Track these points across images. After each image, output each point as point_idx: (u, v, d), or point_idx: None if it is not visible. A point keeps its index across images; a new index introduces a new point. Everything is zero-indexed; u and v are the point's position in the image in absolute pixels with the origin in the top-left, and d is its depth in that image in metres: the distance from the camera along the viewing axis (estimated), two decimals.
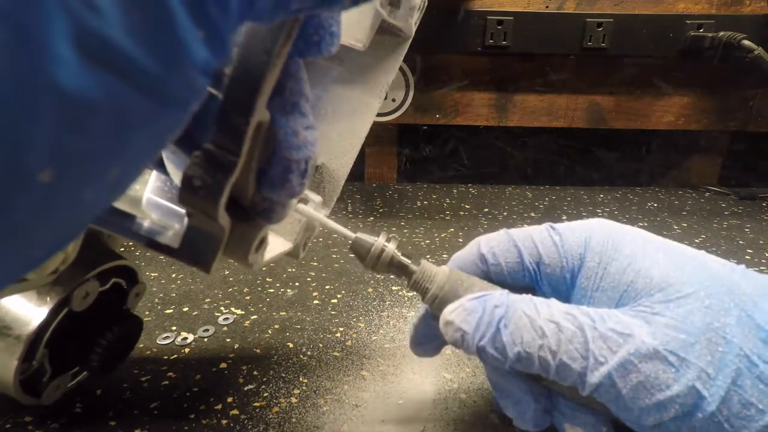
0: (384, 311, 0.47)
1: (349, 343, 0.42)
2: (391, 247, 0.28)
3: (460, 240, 0.64)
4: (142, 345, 0.41)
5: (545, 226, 0.30)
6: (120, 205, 0.21)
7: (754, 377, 0.23)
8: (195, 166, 0.16)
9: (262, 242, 0.21)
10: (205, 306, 0.47)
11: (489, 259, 0.29)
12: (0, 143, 0.09)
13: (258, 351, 0.41)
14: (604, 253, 0.27)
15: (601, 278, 0.27)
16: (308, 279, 0.53)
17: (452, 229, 0.68)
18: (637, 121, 0.85)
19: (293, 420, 0.34)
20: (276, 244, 0.29)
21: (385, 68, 0.32)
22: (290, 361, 0.40)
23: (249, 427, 0.33)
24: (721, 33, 0.74)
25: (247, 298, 0.49)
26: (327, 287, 0.51)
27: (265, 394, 0.36)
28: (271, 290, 0.51)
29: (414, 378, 0.38)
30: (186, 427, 0.33)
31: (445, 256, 0.59)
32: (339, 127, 0.33)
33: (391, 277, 0.53)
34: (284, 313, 0.46)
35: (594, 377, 0.24)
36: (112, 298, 0.34)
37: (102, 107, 0.10)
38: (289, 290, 0.51)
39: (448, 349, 0.41)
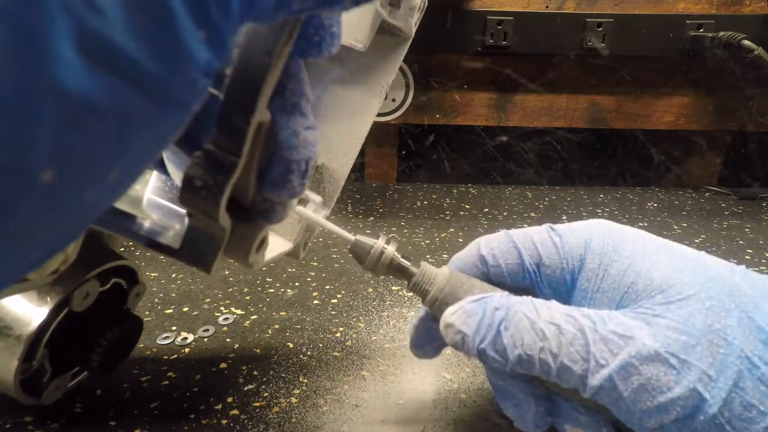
0: (384, 311, 0.47)
1: (349, 343, 0.42)
2: (391, 249, 0.28)
3: (460, 240, 0.64)
4: (142, 345, 0.41)
5: (545, 227, 0.30)
6: (121, 205, 0.21)
7: (756, 379, 0.23)
8: (196, 167, 0.16)
9: (263, 242, 0.21)
10: (205, 306, 0.47)
11: (489, 261, 0.29)
12: (1, 143, 0.09)
13: (258, 351, 0.41)
14: (604, 255, 0.27)
15: (602, 279, 0.27)
16: (308, 279, 0.53)
17: (452, 229, 0.68)
18: (637, 121, 0.85)
19: (293, 420, 0.34)
20: (276, 244, 0.29)
21: (385, 69, 0.32)
22: (290, 361, 0.40)
23: (249, 427, 0.33)
24: (721, 33, 0.74)
25: (247, 298, 0.49)
26: (327, 287, 0.51)
27: (265, 394, 0.36)
28: (271, 290, 0.51)
29: (414, 378, 0.38)
30: (186, 427, 0.33)
31: (445, 256, 0.59)
32: (339, 128, 0.33)
33: (391, 277, 0.53)
34: (284, 313, 0.46)
35: (595, 380, 0.24)
36: (113, 298, 0.35)
37: (104, 108, 0.10)
38: (289, 290, 0.51)
39: (448, 350, 0.41)
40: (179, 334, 0.43)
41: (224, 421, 0.34)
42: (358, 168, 0.89)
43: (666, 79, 0.82)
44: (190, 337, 0.43)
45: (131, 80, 0.10)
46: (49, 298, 0.30)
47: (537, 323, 0.25)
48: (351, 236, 0.28)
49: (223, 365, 0.39)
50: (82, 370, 0.35)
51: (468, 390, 0.37)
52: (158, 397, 0.36)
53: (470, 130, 0.88)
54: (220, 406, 0.35)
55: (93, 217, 0.13)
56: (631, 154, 0.93)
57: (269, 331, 0.44)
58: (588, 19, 0.76)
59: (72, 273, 0.30)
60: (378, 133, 0.87)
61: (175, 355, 0.40)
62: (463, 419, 0.34)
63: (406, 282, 0.29)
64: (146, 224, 0.20)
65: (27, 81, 0.09)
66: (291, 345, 0.42)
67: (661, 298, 0.25)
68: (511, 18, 0.75)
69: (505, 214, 0.74)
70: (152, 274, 0.53)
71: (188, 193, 0.16)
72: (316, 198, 0.30)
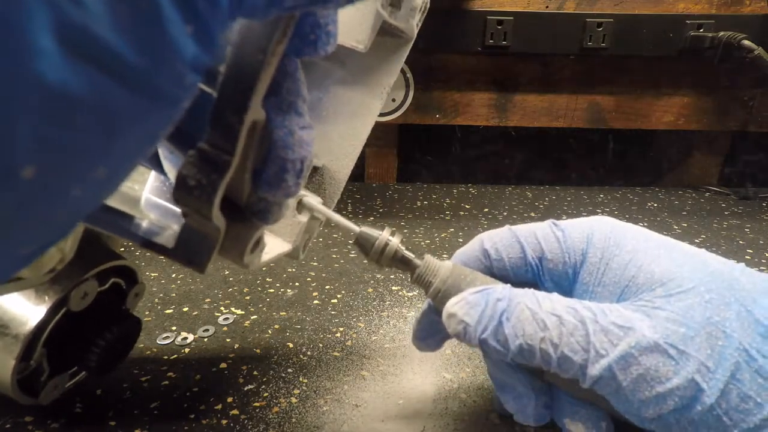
0: (384, 311, 0.47)
1: (349, 343, 0.42)
2: (395, 241, 0.29)
3: (460, 240, 0.64)
4: (142, 345, 0.41)
5: (548, 222, 0.30)
6: (117, 204, 0.21)
7: (753, 371, 0.23)
8: (189, 166, 0.16)
9: (258, 243, 0.21)
10: (205, 306, 0.47)
11: (492, 255, 0.30)
12: None
13: (258, 351, 0.41)
14: (606, 249, 0.28)
15: (603, 273, 0.27)
16: (308, 279, 0.53)
17: (452, 229, 0.68)
18: (637, 121, 0.85)
19: (293, 420, 0.34)
20: (275, 245, 0.29)
21: (386, 70, 0.32)
22: (290, 361, 0.40)
23: (249, 427, 0.33)
24: (721, 33, 0.74)
25: (247, 298, 0.49)
26: (327, 287, 0.51)
27: (265, 394, 0.36)
28: (271, 290, 0.51)
29: (414, 378, 0.38)
30: (186, 427, 0.33)
31: (445, 255, 0.59)
32: (340, 129, 0.33)
33: (391, 277, 0.53)
34: (284, 313, 0.46)
35: (595, 369, 0.24)
36: (111, 298, 0.34)
37: (87, 102, 0.10)
38: (289, 290, 0.51)
39: (448, 350, 0.41)
40: (179, 334, 0.43)
41: (224, 421, 0.34)
42: (358, 168, 0.89)
43: (666, 79, 0.82)
44: (190, 337, 0.43)
45: (115, 74, 0.10)
46: (47, 297, 0.30)
47: (538, 314, 0.25)
48: (356, 228, 0.29)
49: (223, 365, 0.39)
50: (80, 370, 0.34)
51: (468, 390, 0.37)
52: (158, 397, 0.36)
53: (470, 129, 0.88)
54: (220, 406, 0.35)
55: (83, 214, 0.12)
56: (631, 154, 0.93)
57: (269, 331, 0.44)
58: (588, 19, 0.76)
59: (70, 272, 0.30)
60: (378, 133, 0.87)
61: (175, 355, 0.40)
62: (463, 419, 0.34)
63: (409, 274, 0.29)
64: (143, 224, 0.20)
65: (5, 73, 0.09)
66: (291, 345, 0.42)
67: (662, 291, 0.25)
68: (511, 18, 0.75)
69: (505, 214, 0.74)
70: (152, 274, 0.53)
71: (182, 192, 0.16)
72: (316, 199, 0.30)
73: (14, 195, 0.10)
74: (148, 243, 0.20)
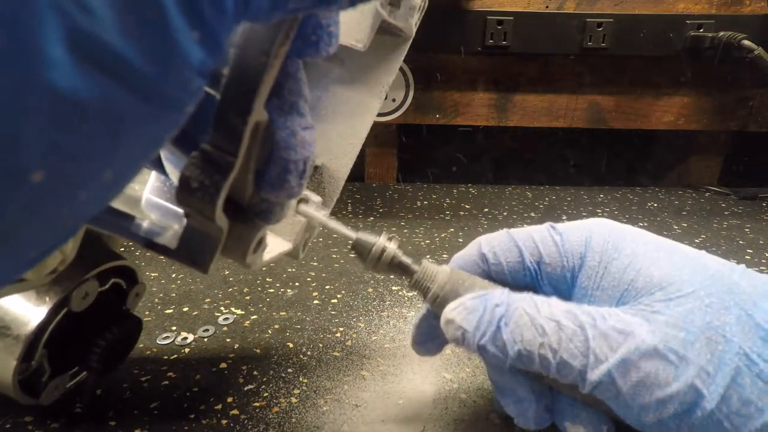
0: (384, 311, 0.47)
1: (349, 343, 0.42)
2: (392, 247, 0.28)
3: (460, 240, 0.64)
4: (142, 345, 0.41)
5: (546, 225, 0.30)
6: (119, 205, 0.21)
7: (754, 375, 0.23)
8: (192, 167, 0.16)
9: (261, 243, 0.21)
10: (205, 306, 0.47)
11: (490, 259, 0.29)
12: None
13: (258, 351, 0.41)
14: (604, 253, 0.28)
15: (602, 277, 0.27)
16: (308, 279, 0.53)
17: (452, 229, 0.68)
18: (637, 121, 0.85)
19: (293, 420, 0.34)
20: (275, 244, 0.29)
21: (385, 69, 0.32)
22: (290, 361, 0.40)
23: (249, 427, 0.33)
24: (721, 33, 0.74)
25: (247, 298, 0.49)
26: (327, 287, 0.51)
27: (265, 394, 0.36)
28: (271, 290, 0.51)
29: (414, 378, 0.38)
30: (186, 427, 0.33)
31: (445, 256, 0.59)
32: (339, 128, 0.33)
33: (391, 276, 0.53)
34: (284, 313, 0.46)
35: (594, 375, 0.24)
36: (112, 298, 0.34)
37: (95, 108, 0.10)
38: (289, 290, 0.51)
39: (448, 350, 0.41)
40: (179, 334, 0.43)
41: (224, 421, 0.34)
42: (358, 168, 0.89)
43: (666, 79, 0.82)
44: (190, 337, 0.43)
45: (123, 80, 0.10)
46: (47, 298, 0.30)
47: (537, 319, 0.25)
48: (353, 234, 0.28)
49: (223, 365, 0.39)
50: (81, 370, 0.34)
51: (468, 390, 0.37)
52: (158, 397, 0.36)
53: (470, 129, 0.88)
54: (220, 406, 0.35)
55: (88, 217, 0.13)
56: (631, 154, 0.93)
57: (269, 331, 0.44)
58: (588, 19, 0.76)
59: (71, 273, 0.30)
60: (378, 133, 0.87)
61: (175, 355, 0.40)
62: (463, 419, 0.34)
63: (407, 280, 0.29)
64: (145, 224, 0.20)
65: (17, 80, 0.09)
66: (291, 345, 0.42)
67: (661, 295, 0.25)
68: (511, 18, 0.75)
69: (505, 214, 0.74)
70: (152, 274, 0.53)
71: (185, 193, 0.16)
72: (315, 198, 0.30)
73: (23, 198, 0.10)
74: (150, 244, 0.20)
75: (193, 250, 0.19)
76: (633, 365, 0.24)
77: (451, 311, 0.27)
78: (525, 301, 0.26)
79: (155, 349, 0.41)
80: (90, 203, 0.12)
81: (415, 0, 0.30)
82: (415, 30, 0.31)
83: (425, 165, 0.92)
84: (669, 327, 0.24)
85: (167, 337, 0.42)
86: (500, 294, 0.27)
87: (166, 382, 0.37)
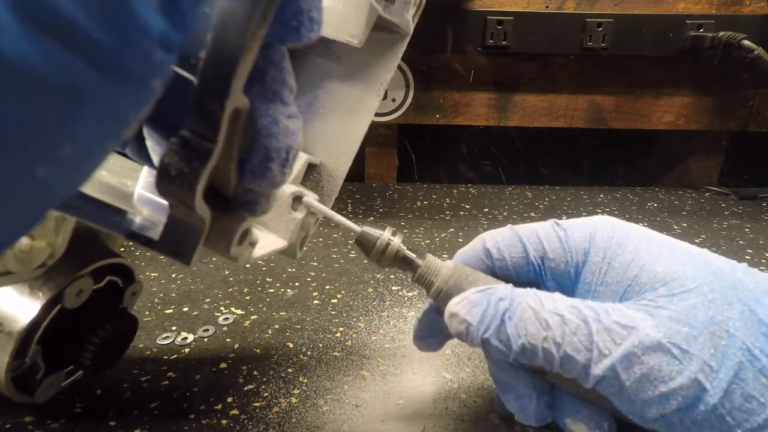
0: (384, 311, 0.47)
1: (349, 343, 0.42)
2: (397, 241, 0.29)
3: (460, 240, 0.64)
4: (142, 345, 0.41)
5: (550, 222, 0.30)
6: (109, 199, 0.20)
7: (756, 371, 0.23)
8: (171, 154, 0.16)
9: (246, 235, 0.20)
10: (205, 306, 0.47)
11: (494, 254, 0.30)
12: None
13: (258, 351, 0.41)
14: (608, 249, 0.28)
15: (605, 273, 0.27)
16: (308, 279, 0.53)
17: (452, 229, 0.67)
18: (637, 121, 0.85)
19: (293, 420, 0.34)
20: (269, 241, 0.28)
21: (384, 66, 0.32)
22: (290, 361, 0.40)
23: (249, 427, 0.33)
24: (721, 33, 0.74)
25: (247, 298, 0.49)
26: (327, 287, 0.51)
27: (265, 394, 0.36)
28: (271, 290, 0.50)
29: (414, 378, 0.38)
30: (186, 427, 0.33)
31: (445, 256, 0.59)
32: (337, 126, 0.33)
33: (391, 277, 0.53)
34: (284, 313, 0.46)
35: (598, 369, 0.24)
36: (108, 296, 0.34)
37: (47, 77, 0.10)
38: (289, 290, 0.51)
39: (448, 350, 0.41)
40: (179, 334, 0.43)
41: (224, 421, 0.33)
42: (358, 168, 0.89)
43: (666, 79, 0.82)
44: (190, 337, 0.43)
45: (76, 48, 0.10)
46: (41, 294, 0.30)
47: (541, 313, 0.25)
48: (357, 227, 0.29)
49: (223, 365, 0.39)
50: (75, 368, 0.34)
51: (468, 390, 0.37)
52: (158, 397, 0.36)
53: (470, 129, 0.88)
54: (220, 406, 0.35)
55: (55, 198, 0.12)
56: (631, 154, 0.92)
57: (269, 331, 0.44)
58: (588, 19, 0.76)
59: (64, 269, 0.30)
60: (378, 133, 0.87)
61: (175, 355, 0.40)
62: (463, 419, 0.34)
63: (411, 274, 0.29)
64: (137, 220, 0.20)
65: None
66: (291, 345, 0.42)
67: (664, 290, 0.25)
68: (511, 18, 0.75)
69: (505, 214, 0.74)
70: (152, 274, 0.53)
71: (164, 181, 0.16)
72: (312, 196, 0.30)
73: None
74: (133, 235, 0.19)
75: (176, 242, 0.18)
76: (637, 359, 0.24)
77: (455, 305, 0.27)
78: (529, 295, 0.26)
79: (155, 349, 0.41)
80: (54, 182, 0.11)
81: None
82: (413, 26, 0.31)
83: (425, 165, 0.92)
84: (672, 322, 0.24)
85: (167, 337, 0.42)
86: (504, 288, 0.27)
87: (166, 382, 0.37)
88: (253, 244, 0.21)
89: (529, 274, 0.29)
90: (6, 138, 0.10)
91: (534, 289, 0.27)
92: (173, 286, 0.51)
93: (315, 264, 0.56)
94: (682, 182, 0.91)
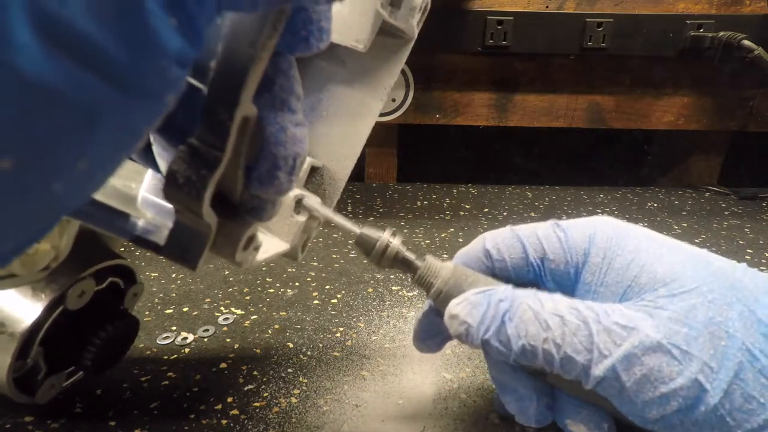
0: (384, 311, 0.47)
1: (349, 343, 0.42)
2: (396, 242, 0.29)
3: (460, 240, 0.64)
4: (142, 345, 0.41)
5: (550, 222, 0.30)
6: (113, 202, 0.21)
7: (756, 371, 0.23)
8: (179, 161, 0.16)
9: (251, 240, 0.20)
10: (205, 306, 0.47)
11: (494, 255, 0.30)
12: None
13: (258, 351, 0.41)
14: (608, 249, 0.28)
15: (605, 273, 0.27)
16: (308, 279, 0.53)
17: (452, 229, 0.68)
18: (637, 121, 0.85)
19: (293, 420, 0.34)
20: (272, 244, 0.28)
21: (387, 70, 0.32)
22: (290, 361, 0.40)
23: (249, 427, 0.33)
24: (721, 33, 0.74)
25: (247, 298, 0.49)
26: (327, 287, 0.51)
27: (265, 394, 0.36)
28: (271, 290, 0.51)
29: (414, 378, 0.38)
30: (186, 427, 0.33)
31: (445, 256, 0.59)
32: (340, 129, 0.33)
33: (391, 277, 0.53)
34: (284, 313, 0.46)
35: (598, 370, 0.24)
36: (109, 297, 0.34)
37: (67, 96, 0.10)
38: (289, 290, 0.51)
39: (448, 350, 0.41)
40: (179, 334, 0.43)
41: (224, 421, 0.34)
42: (358, 168, 0.89)
43: (666, 79, 0.82)
44: (190, 337, 0.43)
45: (95, 67, 0.10)
46: (43, 296, 0.30)
47: (541, 314, 0.25)
48: (357, 229, 0.29)
49: (223, 365, 0.39)
50: (76, 369, 0.34)
51: (468, 390, 0.37)
52: (158, 397, 0.36)
53: (470, 129, 0.88)
54: (220, 406, 0.35)
55: (67, 209, 0.12)
56: (631, 154, 0.93)
57: (269, 331, 0.44)
58: (588, 19, 0.76)
59: (67, 271, 0.30)
60: (378, 133, 0.87)
61: (175, 355, 0.40)
62: (463, 419, 0.34)
63: (410, 275, 0.29)
64: (140, 223, 0.20)
65: None
66: (291, 345, 0.42)
67: (664, 291, 0.25)
68: (511, 18, 0.75)
69: (505, 214, 0.74)
70: (152, 274, 0.53)
71: (171, 188, 0.16)
72: (314, 198, 0.30)
73: None
74: (138, 240, 0.19)
75: (182, 247, 0.18)
76: (637, 360, 0.24)
77: (455, 306, 0.27)
78: (529, 296, 0.26)
79: (155, 349, 0.41)
80: (66, 195, 0.12)
81: (416, 0, 0.30)
82: (417, 31, 0.31)
83: (425, 165, 0.92)
84: (672, 322, 0.24)
85: (167, 337, 0.42)
86: (504, 290, 0.27)
87: (166, 382, 0.37)
88: (257, 249, 0.21)
89: (528, 275, 0.29)
90: (24, 156, 0.10)
91: (534, 290, 0.27)
92: (173, 286, 0.51)
93: (315, 264, 0.56)
94: (682, 182, 0.91)
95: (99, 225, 0.20)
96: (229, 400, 0.35)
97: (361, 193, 0.82)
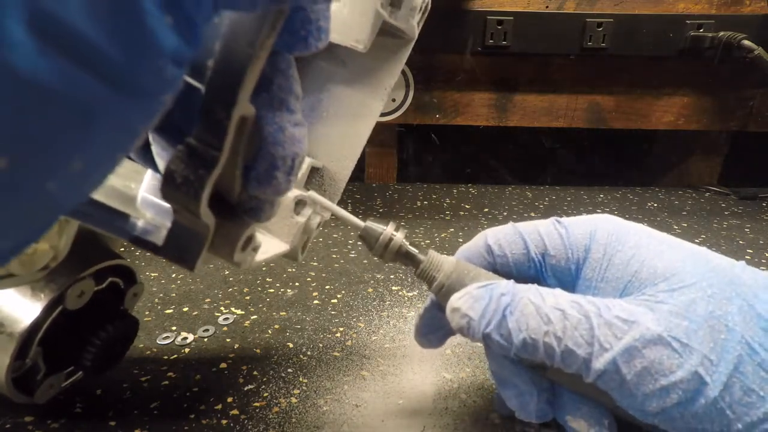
0: (384, 311, 0.47)
1: (349, 343, 0.42)
2: (400, 236, 0.29)
3: (460, 240, 0.64)
4: (142, 345, 0.41)
5: (551, 219, 0.31)
6: (112, 202, 0.20)
7: (756, 364, 0.23)
8: (177, 161, 0.16)
9: (250, 241, 0.20)
10: (205, 306, 0.47)
11: (495, 251, 0.30)
12: None
13: (258, 351, 0.41)
14: (608, 245, 0.28)
15: (606, 269, 0.28)
16: (308, 279, 0.53)
17: (452, 229, 0.68)
18: (637, 121, 0.85)
19: (293, 420, 0.34)
20: (271, 245, 0.28)
21: (388, 71, 0.32)
22: (290, 361, 0.40)
23: (249, 427, 0.33)
24: (721, 33, 0.74)
25: (247, 298, 0.49)
26: (327, 287, 0.51)
27: (265, 394, 0.36)
28: (271, 290, 0.51)
29: (414, 378, 0.38)
30: (186, 427, 0.33)
31: (445, 255, 0.59)
32: (340, 130, 0.33)
33: (391, 276, 0.53)
34: (284, 313, 0.46)
35: (599, 363, 0.24)
36: (109, 297, 0.34)
37: (61, 94, 0.10)
38: (289, 290, 0.51)
39: (448, 350, 0.41)
40: (179, 334, 0.43)
41: (224, 421, 0.34)
42: (358, 168, 0.89)
43: (666, 79, 0.82)
44: (190, 337, 0.43)
45: (90, 66, 0.10)
46: (42, 296, 0.30)
47: (542, 308, 0.25)
48: (361, 222, 0.29)
49: (223, 365, 0.39)
50: (76, 369, 0.34)
51: (468, 390, 0.37)
52: (158, 397, 0.36)
53: (470, 129, 0.88)
54: (220, 406, 0.35)
55: (63, 209, 0.12)
56: (631, 154, 0.93)
57: (269, 331, 0.44)
58: (588, 19, 0.76)
59: (66, 270, 0.30)
60: (378, 133, 0.87)
61: (175, 355, 0.40)
62: (463, 419, 0.34)
63: (413, 269, 0.29)
64: (139, 223, 0.20)
65: None
66: (291, 345, 0.42)
67: (664, 285, 0.25)
68: (511, 18, 0.75)
69: (505, 214, 0.74)
70: (152, 274, 0.53)
71: (169, 188, 0.16)
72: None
73: None
74: (137, 240, 0.19)
75: (180, 248, 0.18)
76: (637, 353, 0.24)
77: (457, 300, 0.27)
78: (530, 291, 0.27)
79: (155, 349, 0.41)
80: (61, 194, 0.11)
81: (416, 0, 0.30)
82: (417, 32, 0.31)
83: (425, 165, 0.92)
84: (673, 316, 0.24)
85: (167, 337, 0.42)
86: (506, 284, 0.27)
87: (166, 382, 0.37)
88: (256, 249, 0.21)
89: (529, 271, 0.30)
90: (18, 154, 0.10)
91: (535, 285, 0.27)
92: (173, 286, 0.51)
93: (315, 264, 0.56)
94: (682, 182, 0.91)
95: (98, 225, 0.20)
96: (229, 400, 0.35)
97: (361, 193, 0.82)
